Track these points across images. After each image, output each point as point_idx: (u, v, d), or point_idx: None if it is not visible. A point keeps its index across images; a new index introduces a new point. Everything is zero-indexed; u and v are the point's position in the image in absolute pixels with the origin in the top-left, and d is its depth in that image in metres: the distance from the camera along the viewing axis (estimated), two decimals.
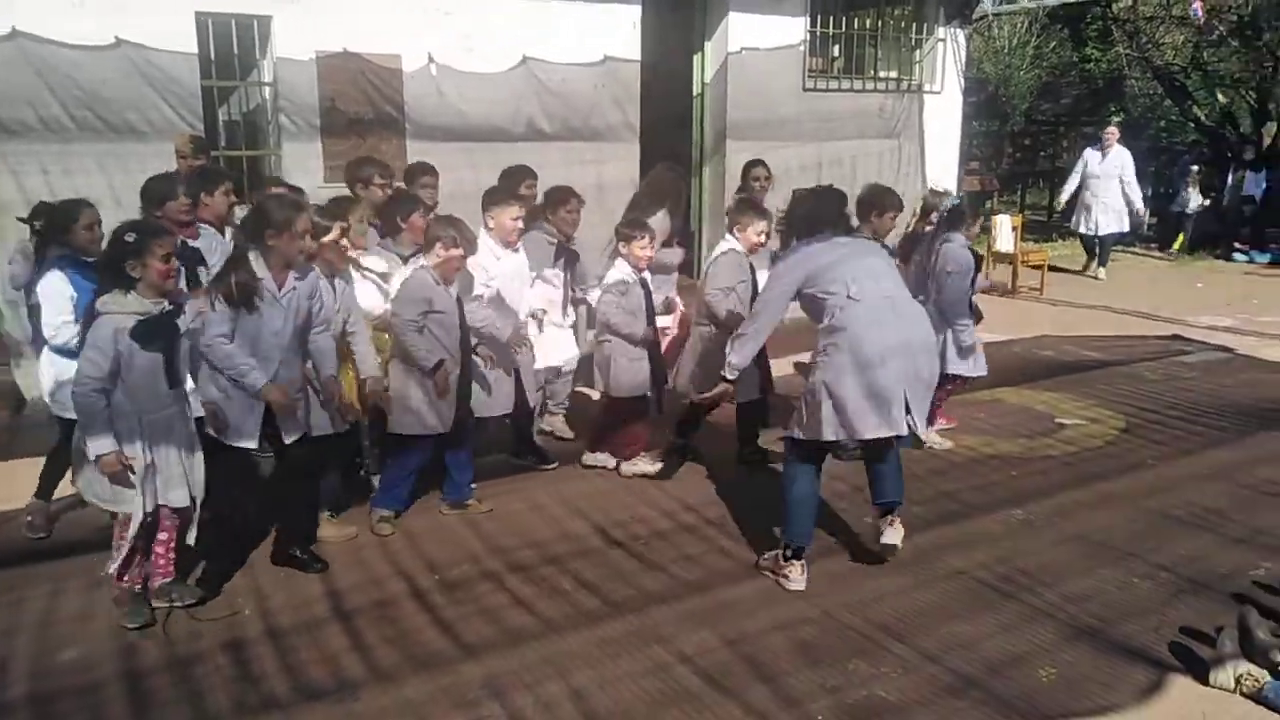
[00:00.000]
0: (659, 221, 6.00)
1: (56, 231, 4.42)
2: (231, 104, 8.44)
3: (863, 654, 3.66)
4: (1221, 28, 18.01)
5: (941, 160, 11.01)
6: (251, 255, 3.95)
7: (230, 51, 7.35)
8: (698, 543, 4.65)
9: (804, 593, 4.12)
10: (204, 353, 3.92)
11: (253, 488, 4.33)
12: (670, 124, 9.93)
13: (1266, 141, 16.37)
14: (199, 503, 3.92)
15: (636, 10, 8.70)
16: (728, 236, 5.50)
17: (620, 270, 5.29)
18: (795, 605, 4.02)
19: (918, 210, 7.04)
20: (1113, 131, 12.30)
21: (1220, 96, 18.55)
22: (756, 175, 7.01)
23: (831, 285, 4.09)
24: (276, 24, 7.36)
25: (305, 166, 7.61)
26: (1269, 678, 3.34)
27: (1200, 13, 13.96)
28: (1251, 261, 13.95)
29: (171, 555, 3.97)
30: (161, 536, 3.92)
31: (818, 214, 4.38)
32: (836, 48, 10.38)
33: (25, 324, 4.98)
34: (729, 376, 4.43)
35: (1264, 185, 14.97)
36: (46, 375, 4.44)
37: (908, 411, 4.03)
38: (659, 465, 5.47)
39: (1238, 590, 4.11)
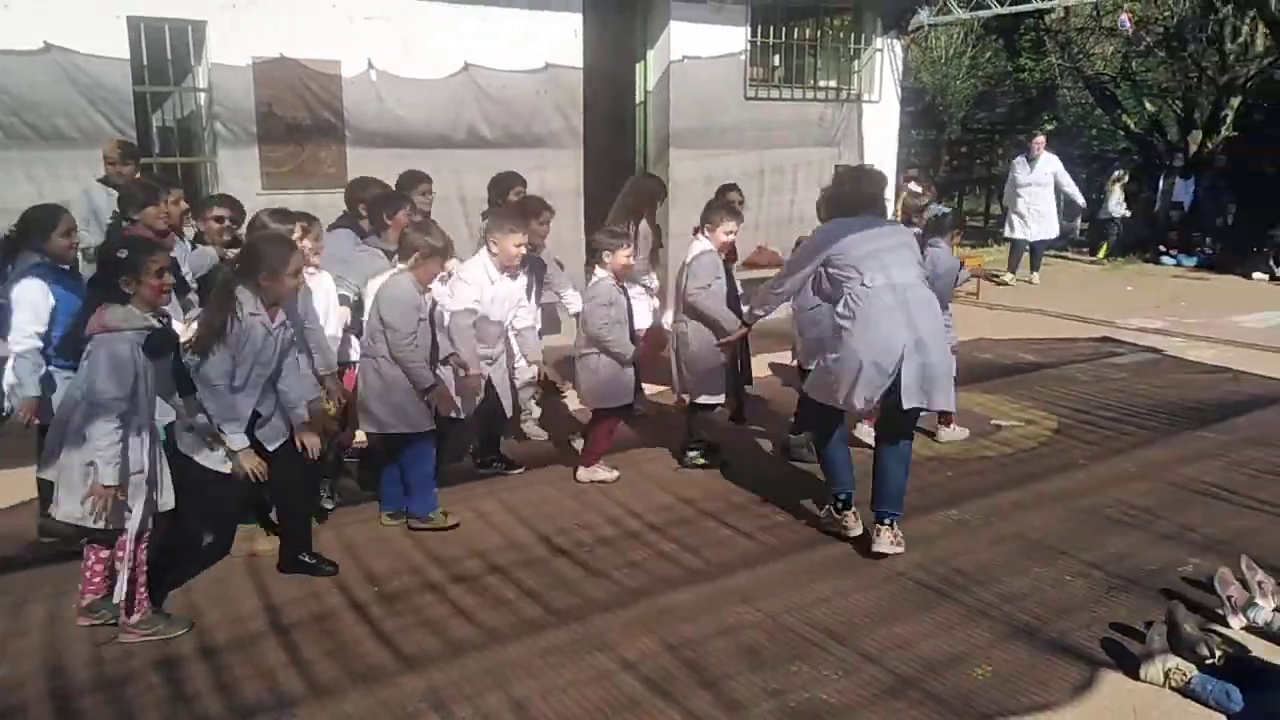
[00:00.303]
0: (642, 231, 6.31)
1: (34, 237, 4.34)
2: (165, 110, 8.28)
3: (804, 657, 3.69)
4: (1149, 39, 18.56)
5: (880, 168, 11.15)
6: (240, 291, 3.98)
7: (164, 57, 7.22)
8: (642, 548, 4.66)
9: (746, 595, 4.15)
10: (204, 395, 3.96)
11: (226, 503, 4.29)
12: (613, 131, 9.96)
13: (1193, 149, 16.89)
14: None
15: (578, 18, 8.71)
16: (700, 238, 5.62)
17: (604, 281, 5.29)
18: (738, 609, 4.04)
19: (898, 213, 7.15)
20: (1039, 140, 12.41)
21: (1148, 105, 19.12)
22: (731, 199, 6.72)
23: (850, 270, 4.39)
24: (211, 29, 7.24)
25: (242, 173, 7.49)
26: (1196, 671, 3.44)
27: (1128, 24, 14.39)
28: (1179, 265, 14.38)
29: (105, 574, 3.89)
30: (119, 554, 3.79)
31: (857, 194, 4.71)
32: (777, 57, 10.49)
33: None
34: (748, 321, 5.20)
35: (1192, 192, 15.47)
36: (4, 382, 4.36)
37: (914, 397, 4.30)
38: (615, 473, 5.53)
39: (1167, 586, 4.22)
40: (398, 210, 5.18)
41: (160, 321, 3.75)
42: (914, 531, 4.80)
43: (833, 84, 10.81)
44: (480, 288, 5.16)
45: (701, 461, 5.72)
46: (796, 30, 10.51)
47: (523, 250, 5.24)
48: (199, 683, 3.53)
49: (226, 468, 4.02)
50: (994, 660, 3.66)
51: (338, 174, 7.54)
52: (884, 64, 11.01)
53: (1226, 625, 3.85)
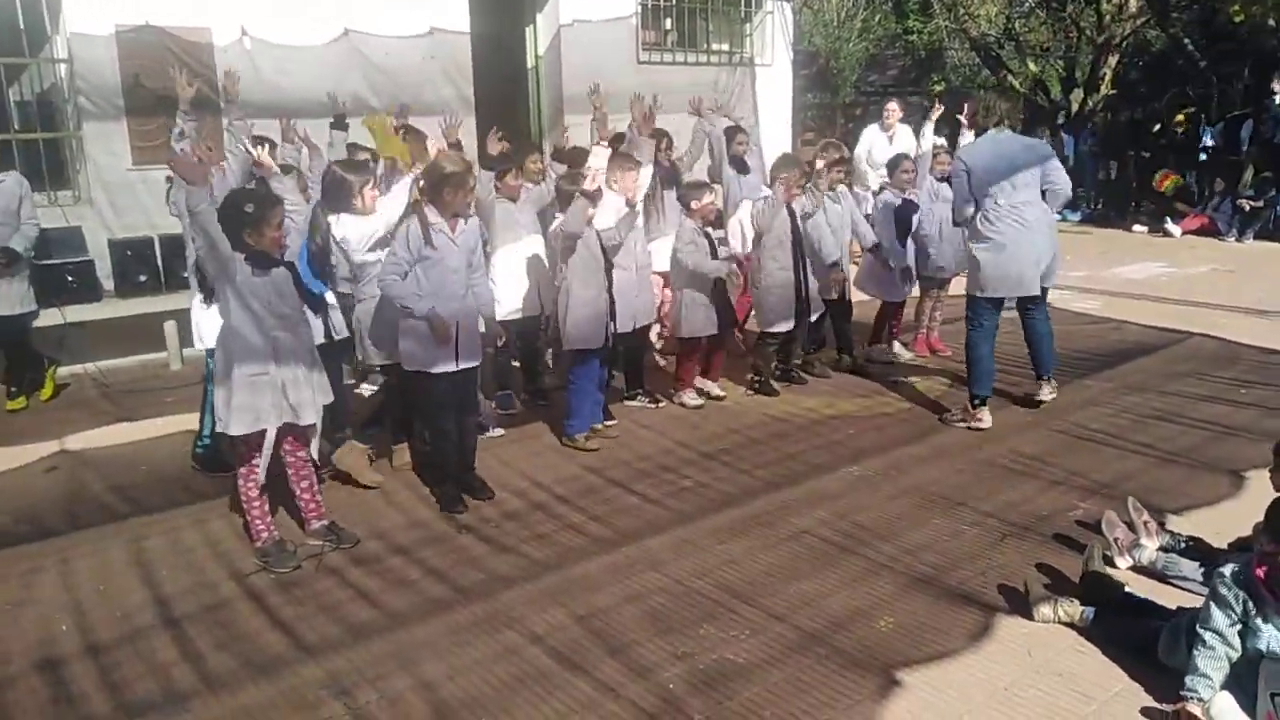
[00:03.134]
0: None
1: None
2: (23, 84, 7.76)
3: (712, 619, 3.70)
4: (1030, 0, 19.08)
5: (775, 131, 11.23)
6: (427, 208, 4.46)
7: (16, 27, 6.76)
8: (549, 521, 4.61)
9: (653, 562, 4.14)
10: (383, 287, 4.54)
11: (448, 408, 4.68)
12: (506, 97, 9.77)
13: (1074, 107, 17.47)
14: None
15: None
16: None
17: (686, 223, 6.05)
18: (645, 576, 4.03)
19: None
20: (893, 109, 9.72)
21: (1032, 65, 19.66)
22: (741, 140, 7.28)
23: (985, 190, 5.55)
24: None
25: (110, 149, 7.13)
26: (1080, 606, 3.57)
27: None
28: (1064, 219, 14.88)
29: (318, 496, 4.31)
30: (303, 482, 4.26)
31: (991, 109, 5.65)
32: (669, 20, 10.42)
33: None
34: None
35: (1074, 148, 16.01)
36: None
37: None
38: (701, 400, 6.27)
39: (1058, 531, 4.37)
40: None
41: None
42: (818, 489, 4.88)
43: (725, 48, 10.81)
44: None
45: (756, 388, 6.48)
46: None
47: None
48: (84, 683, 3.35)
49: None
50: (896, 612, 3.73)
51: (217, 143, 7.19)
52: (775, 27, 11.05)
53: (1114, 565, 3.99)
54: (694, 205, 6.03)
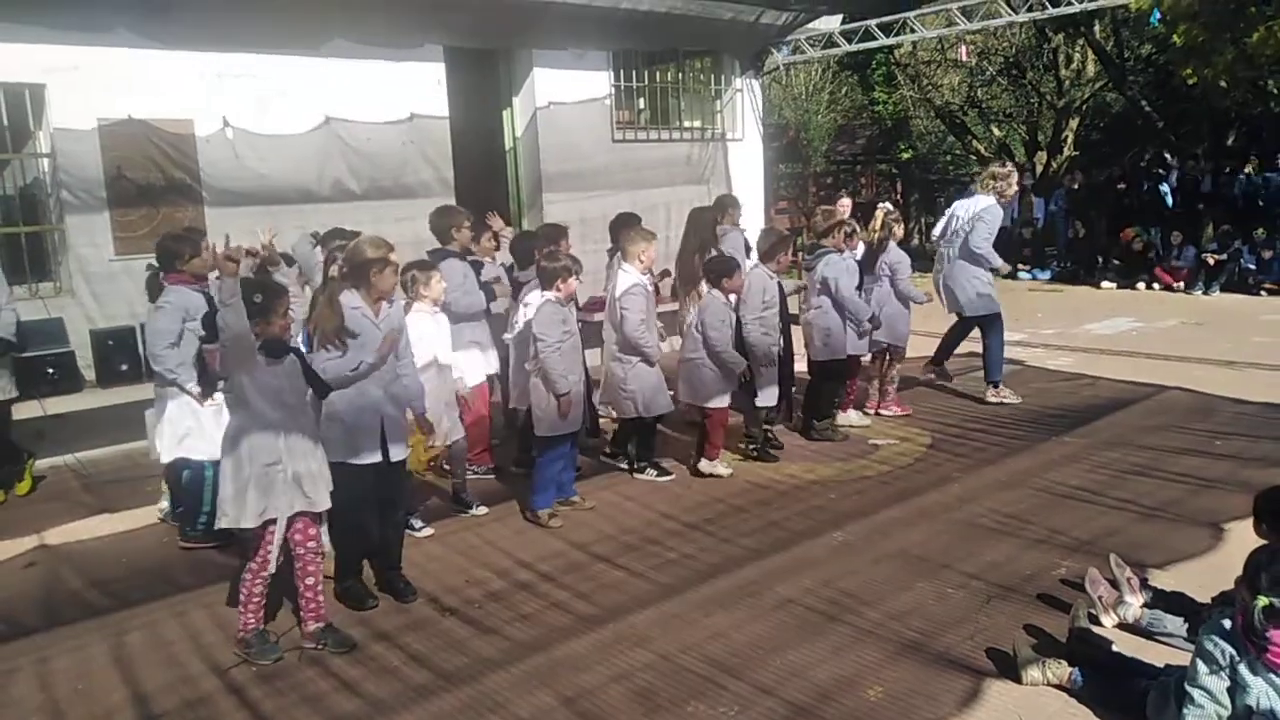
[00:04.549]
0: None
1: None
2: (5, 178, 7.85)
3: (700, 695, 3.67)
4: (991, 69, 19.66)
5: (749, 202, 11.44)
6: (346, 294, 4.39)
7: (0, 124, 6.87)
8: (534, 600, 4.57)
9: (640, 638, 4.11)
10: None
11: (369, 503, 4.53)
12: (485, 178, 9.94)
13: (1039, 169, 17.90)
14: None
15: (440, 67, 8.69)
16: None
17: (716, 300, 6.10)
18: (633, 653, 4.00)
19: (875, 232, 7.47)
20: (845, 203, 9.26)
21: (995, 130, 20.19)
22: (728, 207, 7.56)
23: None
24: (51, 93, 6.96)
25: (93, 240, 7.19)
26: (1068, 667, 3.57)
27: (965, 55, 15.20)
28: (1034, 279, 15.15)
29: (320, 595, 4.15)
30: (309, 579, 4.11)
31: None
32: (642, 100, 10.69)
33: None
34: None
35: (1044, 209, 16.37)
36: None
37: None
38: (730, 470, 6.23)
39: (1042, 590, 4.38)
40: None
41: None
42: (802, 556, 4.88)
43: (697, 124, 11.07)
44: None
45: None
46: (659, 74, 10.73)
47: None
48: None
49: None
50: (884, 680, 3.71)
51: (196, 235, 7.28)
52: (745, 103, 11.33)
53: (1100, 624, 4.00)
54: (725, 283, 6.08)
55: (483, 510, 5.71)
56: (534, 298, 5.75)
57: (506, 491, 6.07)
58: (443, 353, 5.42)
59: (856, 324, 6.83)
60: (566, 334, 5.40)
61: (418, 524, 5.42)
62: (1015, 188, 7.80)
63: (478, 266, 6.35)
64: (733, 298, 6.24)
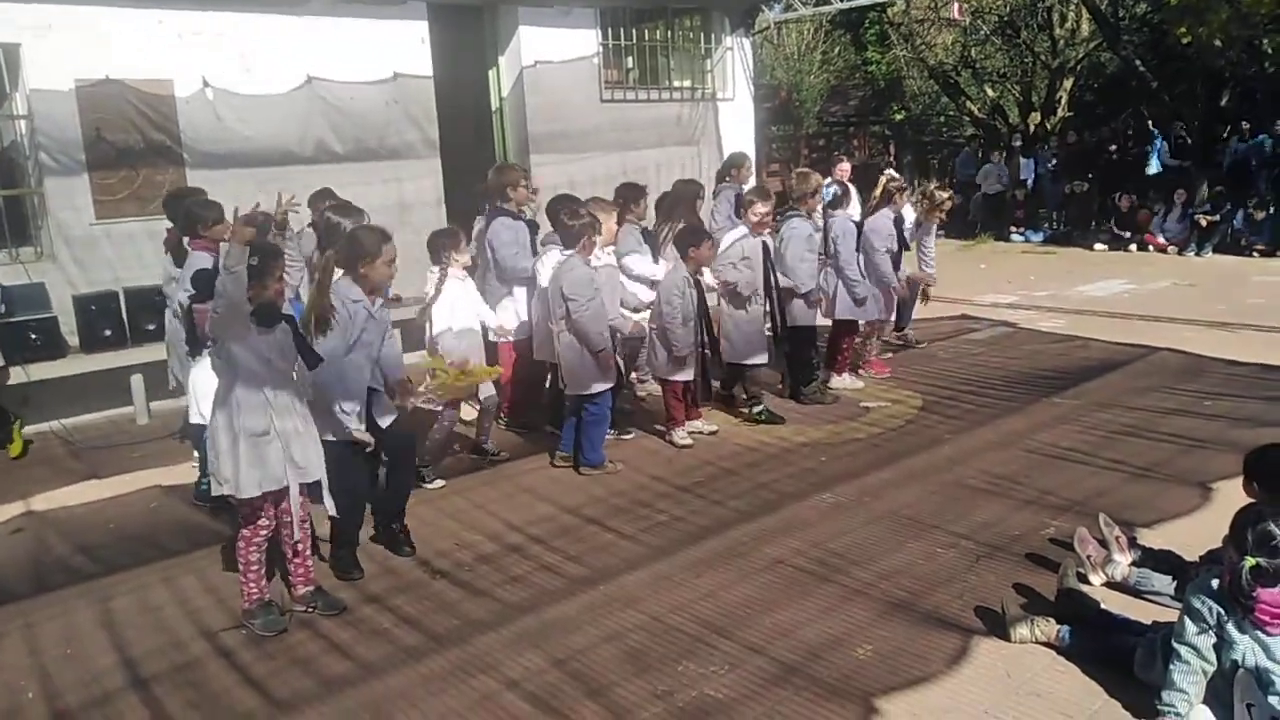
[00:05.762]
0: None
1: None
2: None
3: (691, 655, 3.67)
4: (985, 28, 19.46)
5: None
6: (344, 281, 4.29)
7: None
8: (524, 562, 4.57)
9: (631, 599, 4.11)
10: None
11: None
12: (471, 138, 9.82)
13: (1032, 129, 17.77)
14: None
15: (423, 25, 8.54)
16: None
17: (677, 271, 5.98)
18: (623, 614, 4.00)
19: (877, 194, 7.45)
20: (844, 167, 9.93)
21: (989, 90, 20.01)
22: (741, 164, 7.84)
23: None
24: (26, 52, 6.81)
25: (73, 204, 7.08)
26: (1056, 625, 3.58)
27: (958, 13, 15.02)
28: (1027, 241, 15.11)
29: (309, 561, 4.12)
30: (298, 544, 4.06)
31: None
32: (630, 59, 10.54)
33: None
34: None
35: (1033, 170, 16.27)
36: None
37: None
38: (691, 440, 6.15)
39: (1031, 550, 4.38)
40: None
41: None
42: (792, 518, 4.87)
43: (687, 84, 10.93)
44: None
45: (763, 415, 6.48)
46: (647, 32, 10.57)
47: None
48: None
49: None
50: (874, 638, 3.72)
51: None
52: (735, 62, 11.19)
53: (1088, 582, 4.01)
54: (691, 253, 5.95)
55: (439, 483, 5.56)
56: (552, 256, 5.69)
57: (514, 451, 6.10)
58: (484, 313, 5.75)
59: (804, 292, 6.64)
60: (596, 291, 5.42)
61: (430, 476, 5.48)
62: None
63: (534, 228, 6.28)
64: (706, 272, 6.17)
